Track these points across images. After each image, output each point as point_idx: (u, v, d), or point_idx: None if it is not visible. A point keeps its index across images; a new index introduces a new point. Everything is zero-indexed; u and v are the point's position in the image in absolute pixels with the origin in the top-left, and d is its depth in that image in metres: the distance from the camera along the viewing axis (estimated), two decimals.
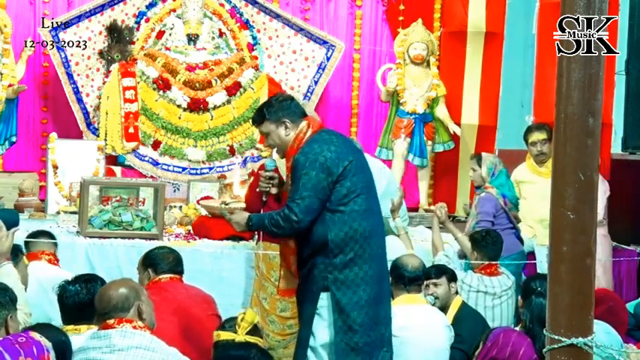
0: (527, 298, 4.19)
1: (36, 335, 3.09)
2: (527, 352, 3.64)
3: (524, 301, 4.25)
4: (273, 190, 3.95)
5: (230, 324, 3.56)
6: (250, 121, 4.03)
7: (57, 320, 4.03)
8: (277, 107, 3.83)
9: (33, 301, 4.04)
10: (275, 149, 3.93)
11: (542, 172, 6.16)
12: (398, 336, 4.06)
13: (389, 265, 4.08)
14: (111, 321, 3.28)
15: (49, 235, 5.00)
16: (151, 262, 4.32)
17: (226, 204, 6.15)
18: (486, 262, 5.17)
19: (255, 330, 3.56)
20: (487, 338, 3.78)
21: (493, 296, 5.08)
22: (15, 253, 4.10)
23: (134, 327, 3.26)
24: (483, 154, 6.03)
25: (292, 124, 3.80)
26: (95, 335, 3.30)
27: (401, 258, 4.46)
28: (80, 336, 3.46)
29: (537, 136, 6.24)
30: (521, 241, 5.85)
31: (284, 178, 3.97)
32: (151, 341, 3.25)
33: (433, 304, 4.57)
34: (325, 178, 3.67)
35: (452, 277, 4.71)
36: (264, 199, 3.98)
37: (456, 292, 4.75)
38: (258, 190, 3.99)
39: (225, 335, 3.23)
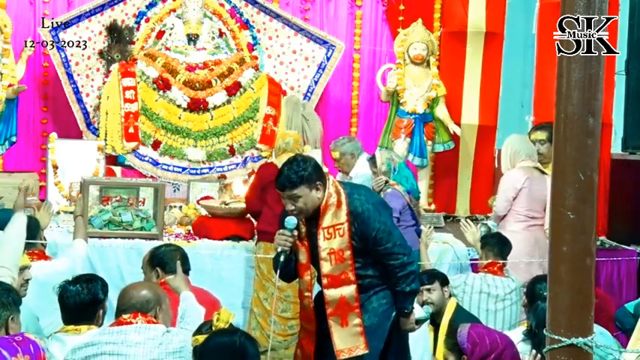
0: (532, 302, 4.18)
1: (32, 335, 3.12)
2: (502, 339, 3.62)
3: (529, 305, 4.24)
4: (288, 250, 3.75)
5: (206, 327, 3.59)
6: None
7: (50, 318, 4.04)
8: (312, 170, 3.71)
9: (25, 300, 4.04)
10: (295, 212, 3.72)
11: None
12: None
13: None
14: (126, 316, 3.32)
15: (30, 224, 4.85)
16: (159, 261, 4.31)
17: (226, 204, 6.16)
18: (491, 260, 5.15)
19: None
20: (457, 344, 3.66)
21: (496, 298, 5.05)
22: None
23: (148, 321, 3.32)
24: (376, 153, 6.04)
25: (322, 186, 3.73)
26: (107, 331, 3.32)
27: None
28: (81, 336, 3.47)
29: (536, 135, 6.21)
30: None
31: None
32: (164, 333, 3.31)
33: (429, 312, 4.56)
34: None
35: (444, 281, 4.69)
36: (281, 259, 3.72)
37: (450, 296, 4.72)
38: (278, 250, 3.76)
39: (202, 339, 3.26)
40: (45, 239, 4.92)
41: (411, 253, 3.80)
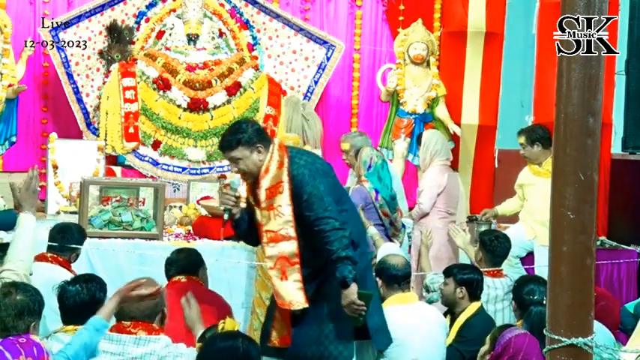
0: (522, 306, 4.18)
1: (36, 338, 3.12)
2: (539, 358, 3.62)
3: (521, 310, 4.24)
4: (235, 210, 3.89)
5: (210, 333, 3.58)
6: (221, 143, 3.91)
7: (51, 320, 4.03)
8: (251, 133, 3.84)
9: None
10: (241, 174, 3.90)
11: (541, 173, 6.16)
12: (394, 337, 4.08)
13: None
14: (126, 323, 3.28)
15: (73, 232, 4.81)
16: (165, 270, 4.38)
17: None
18: (490, 269, 5.16)
19: None
20: (495, 340, 3.74)
21: (495, 299, 5.06)
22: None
23: (149, 331, 3.28)
24: (363, 148, 6.13)
25: (265, 149, 3.84)
26: (106, 337, 3.30)
27: (388, 259, 4.49)
28: None
29: (518, 140, 6.32)
30: (390, 240, 5.87)
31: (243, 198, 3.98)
32: (165, 346, 3.27)
33: (435, 299, 4.61)
34: (331, 181, 3.91)
35: (463, 282, 4.62)
36: (225, 217, 3.90)
37: (474, 299, 4.67)
38: (221, 207, 3.95)
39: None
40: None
41: (344, 224, 3.77)
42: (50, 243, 4.72)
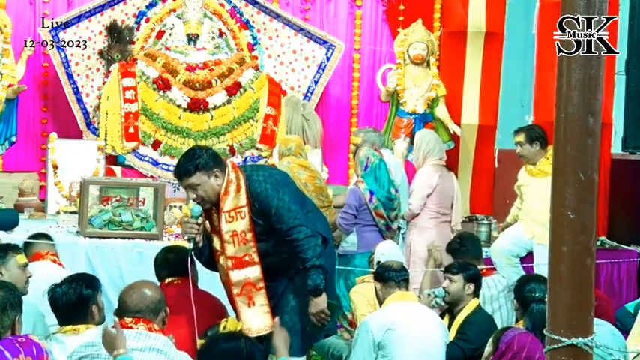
0: (523, 305, 4.19)
1: (35, 337, 3.12)
2: (542, 357, 3.62)
3: (521, 307, 4.25)
4: (199, 238, 3.89)
5: (212, 332, 3.56)
6: (186, 169, 3.87)
7: (49, 316, 4.04)
8: (207, 158, 3.85)
9: (30, 299, 4.04)
10: (198, 201, 3.87)
11: (535, 173, 6.16)
12: (393, 329, 4.13)
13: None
14: (128, 319, 3.29)
15: (48, 237, 5.03)
16: (155, 271, 4.34)
17: None
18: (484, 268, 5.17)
19: None
20: (499, 340, 3.75)
21: (491, 299, 5.05)
22: (5, 251, 4.11)
23: (149, 329, 3.28)
24: (361, 147, 6.13)
25: (221, 173, 3.85)
26: None
27: (385, 262, 4.59)
28: (80, 336, 3.47)
29: (516, 138, 6.31)
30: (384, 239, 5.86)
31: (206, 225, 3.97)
32: (164, 344, 3.27)
33: (442, 297, 4.61)
34: (292, 189, 3.99)
35: (471, 278, 4.65)
36: (191, 246, 3.90)
37: (475, 295, 4.69)
38: (185, 237, 3.95)
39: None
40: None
41: (314, 229, 3.85)
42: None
